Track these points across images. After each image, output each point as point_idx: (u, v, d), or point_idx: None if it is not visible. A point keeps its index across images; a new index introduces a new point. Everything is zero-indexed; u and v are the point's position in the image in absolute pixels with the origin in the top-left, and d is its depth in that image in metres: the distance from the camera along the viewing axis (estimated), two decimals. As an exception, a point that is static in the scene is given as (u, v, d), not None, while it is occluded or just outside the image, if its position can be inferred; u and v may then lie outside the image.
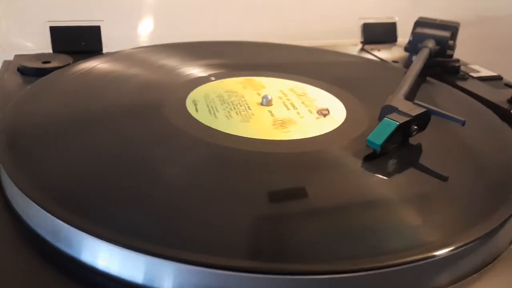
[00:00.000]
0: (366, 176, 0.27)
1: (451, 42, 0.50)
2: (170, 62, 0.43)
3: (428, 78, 0.43)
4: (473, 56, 0.52)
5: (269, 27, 0.57)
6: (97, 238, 0.20)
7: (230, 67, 0.42)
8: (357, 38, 0.61)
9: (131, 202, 0.23)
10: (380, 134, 0.28)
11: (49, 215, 0.21)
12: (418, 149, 0.30)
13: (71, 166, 0.26)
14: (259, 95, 0.37)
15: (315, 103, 0.36)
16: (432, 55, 0.47)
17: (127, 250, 0.19)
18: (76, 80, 0.38)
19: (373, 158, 0.28)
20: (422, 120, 0.30)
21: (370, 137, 0.28)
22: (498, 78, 0.48)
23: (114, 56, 0.44)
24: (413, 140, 0.30)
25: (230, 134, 0.30)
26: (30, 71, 0.42)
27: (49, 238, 0.22)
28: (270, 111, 0.34)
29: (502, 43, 0.59)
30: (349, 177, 0.27)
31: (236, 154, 0.28)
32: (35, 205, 0.22)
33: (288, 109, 0.35)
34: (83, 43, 0.49)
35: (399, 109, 0.30)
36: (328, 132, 0.31)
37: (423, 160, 0.29)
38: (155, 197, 0.24)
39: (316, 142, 0.30)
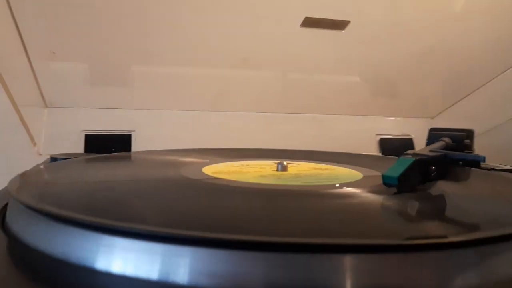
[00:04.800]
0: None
1: (467, 141, 0.51)
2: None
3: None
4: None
5: (293, 144, 0.60)
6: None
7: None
8: (375, 152, 0.63)
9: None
10: (396, 169, 0.27)
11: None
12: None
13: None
14: (260, 171, 0.36)
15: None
16: (447, 149, 0.48)
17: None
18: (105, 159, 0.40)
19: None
20: (441, 165, 0.29)
21: (386, 172, 0.27)
22: (522, 170, 0.47)
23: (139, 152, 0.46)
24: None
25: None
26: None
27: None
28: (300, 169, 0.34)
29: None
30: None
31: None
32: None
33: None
34: (113, 149, 0.53)
35: (416, 153, 0.29)
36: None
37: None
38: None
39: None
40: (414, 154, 0.29)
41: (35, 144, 0.50)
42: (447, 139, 0.49)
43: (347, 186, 0.29)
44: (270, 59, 0.55)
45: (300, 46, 0.54)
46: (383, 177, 0.27)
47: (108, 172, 0.34)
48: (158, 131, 0.56)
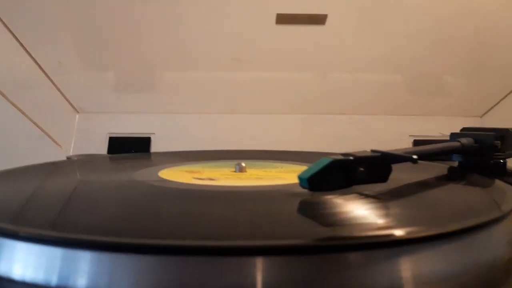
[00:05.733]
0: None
1: (497, 142, 0.44)
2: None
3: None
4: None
5: (325, 145, 0.58)
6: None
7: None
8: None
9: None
10: (310, 171, 0.25)
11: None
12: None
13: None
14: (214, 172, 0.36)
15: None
16: (466, 151, 0.42)
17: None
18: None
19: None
20: (375, 167, 0.26)
21: (301, 174, 0.25)
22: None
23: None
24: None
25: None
26: (72, 162, 0.49)
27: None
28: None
29: None
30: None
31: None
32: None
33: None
34: (133, 150, 0.56)
35: (348, 153, 0.27)
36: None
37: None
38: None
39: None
40: (345, 154, 0.26)
41: (61, 146, 0.55)
42: (465, 140, 0.44)
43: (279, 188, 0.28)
44: (305, 60, 0.54)
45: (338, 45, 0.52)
46: (298, 178, 0.25)
47: (59, 175, 0.36)
48: (176, 133, 0.58)
